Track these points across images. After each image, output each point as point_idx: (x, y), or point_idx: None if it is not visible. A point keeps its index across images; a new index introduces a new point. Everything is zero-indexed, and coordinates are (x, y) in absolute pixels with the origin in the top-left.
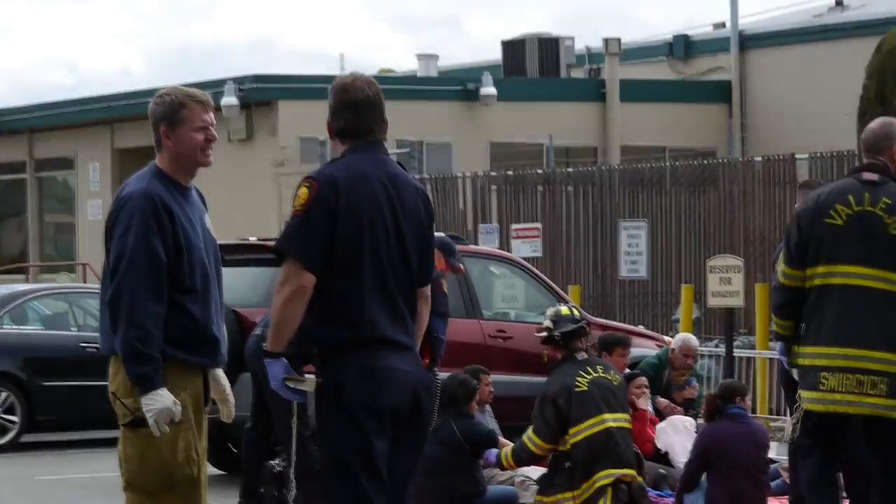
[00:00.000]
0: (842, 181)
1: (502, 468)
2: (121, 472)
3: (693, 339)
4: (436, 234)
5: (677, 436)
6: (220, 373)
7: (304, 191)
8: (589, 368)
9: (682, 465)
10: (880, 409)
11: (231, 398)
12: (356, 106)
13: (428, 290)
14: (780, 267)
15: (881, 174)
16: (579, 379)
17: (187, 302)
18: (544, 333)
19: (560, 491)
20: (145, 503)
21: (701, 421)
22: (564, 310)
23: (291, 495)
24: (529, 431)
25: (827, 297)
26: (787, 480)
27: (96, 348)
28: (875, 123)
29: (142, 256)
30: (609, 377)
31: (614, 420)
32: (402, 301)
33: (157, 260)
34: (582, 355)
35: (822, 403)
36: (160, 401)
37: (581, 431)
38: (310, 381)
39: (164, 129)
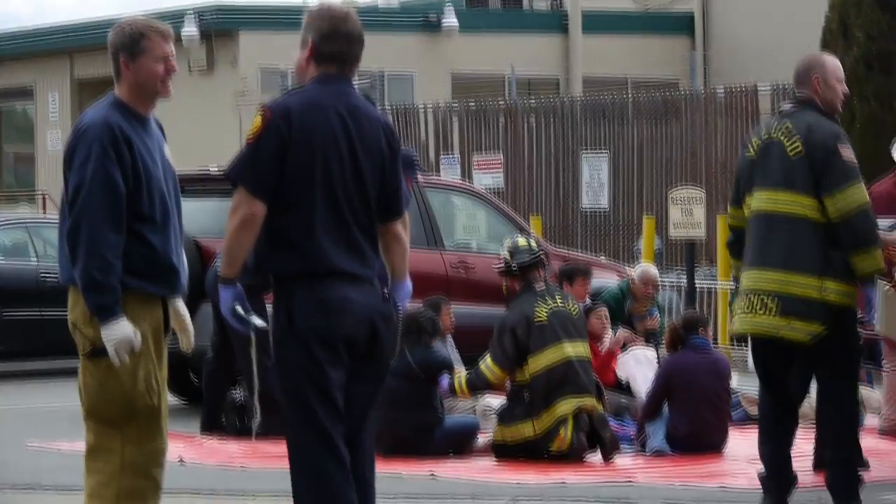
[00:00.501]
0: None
1: (454, 395)
2: (81, 401)
3: (653, 269)
4: None
5: (639, 366)
6: (179, 302)
7: (257, 119)
8: (547, 298)
9: (643, 396)
10: (770, 327)
11: (191, 328)
12: (350, 37)
13: (398, 225)
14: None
15: (798, 104)
16: (538, 309)
17: (146, 232)
18: (501, 265)
19: (520, 421)
20: (106, 432)
21: (663, 351)
22: (521, 241)
23: (256, 422)
24: (487, 359)
25: (749, 227)
26: (748, 410)
27: (56, 279)
28: (803, 57)
29: (101, 186)
30: (567, 307)
31: (573, 348)
32: (360, 233)
33: (117, 190)
34: (540, 286)
35: (732, 326)
36: (120, 331)
37: (541, 361)
38: (255, 321)
39: (123, 60)
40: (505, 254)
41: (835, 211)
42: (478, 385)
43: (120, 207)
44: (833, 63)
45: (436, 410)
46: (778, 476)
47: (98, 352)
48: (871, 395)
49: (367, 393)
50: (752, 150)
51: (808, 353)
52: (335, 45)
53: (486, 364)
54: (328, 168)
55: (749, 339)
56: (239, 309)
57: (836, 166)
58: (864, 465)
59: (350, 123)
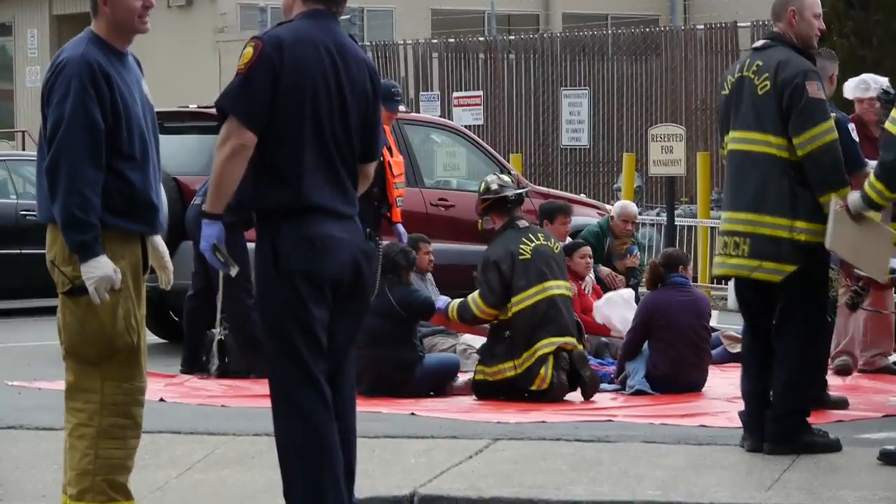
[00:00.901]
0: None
1: (447, 318)
2: (60, 340)
3: (632, 206)
4: None
5: (614, 308)
6: (158, 239)
7: (248, 50)
8: (531, 236)
9: (621, 335)
10: (742, 269)
11: (170, 265)
12: None
13: (371, 167)
14: None
15: (771, 39)
16: (522, 246)
17: (126, 169)
18: (491, 197)
19: (501, 361)
20: (86, 371)
21: (642, 289)
22: (506, 177)
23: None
24: (475, 294)
25: (726, 167)
26: (728, 349)
27: (36, 216)
28: None
29: (80, 123)
30: (550, 245)
31: (557, 287)
32: (344, 171)
33: (96, 127)
34: (523, 223)
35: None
36: (100, 268)
37: (524, 300)
38: (230, 269)
39: None
40: (495, 187)
41: (801, 149)
42: (465, 317)
43: (99, 144)
44: None
45: (416, 348)
46: (758, 414)
47: (77, 290)
48: None
49: (347, 331)
50: (726, 88)
51: (783, 291)
52: None
53: (474, 298)
54: (317, 103)
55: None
56: (219, 251)
57: (803, 103)
58: (843, 404)
59: (338, 61)
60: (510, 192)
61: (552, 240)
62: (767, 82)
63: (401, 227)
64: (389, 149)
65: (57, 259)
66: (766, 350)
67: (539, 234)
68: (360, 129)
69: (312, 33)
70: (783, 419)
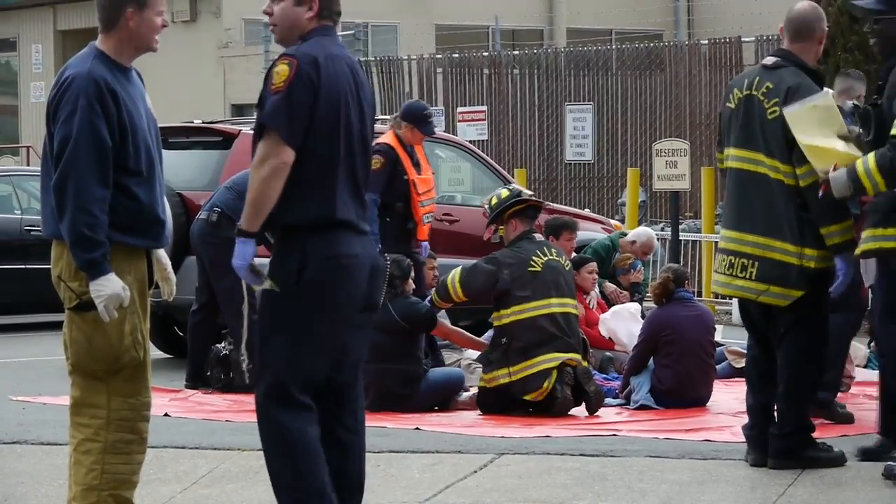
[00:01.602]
0: (753, 67)
1: (435, 308)
2: (66, 355)
3: (655, 240)
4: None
5: (621, 322)
6: (161, 252)
7: (283, 68)
8: (545, 250)
9: (627, 350)
10: (749, 292)
11: (172, 276)
12: None
13: None
14: None
15: (782, 58)
16: (535, 258)
17: (132, 184)
18: (525, 200)
19: (496, 367)
20: (92, 386)
21: (648, 304)
22: (523, 189)
23: (246, 375)
24: (456, 275)
25: (728, 180)
26: (733, 363)
27: (40, 231)
28: (804, 6)
29: (87, 140)
30: (562, 261)
31: (560, 305)
32: (362, 185)
33: (103, 144)
34: (539, 236)
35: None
36: (110, 286)
37: (525, 311)
38: (268, 284)
39: (131, 11)
40: (524, 193)
41: (803, 180)
42: (441, 296)
43: (106, 161)
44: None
45: (420, 362)
46: (762, 428)
47: (84, 305)
48: (857, 347)
49: (360, 345)
50: (732, 101)
51: (786, 309)
52: (338, 3)
53: (453, 277)
54: (348, 117)
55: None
56: (256, 269)
57: None
58: (850, 419)
59: (355, 76)
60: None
61: (563, 257)
62: (777, 108)
63: (426, 245)
64: (417, 165)
65: (64, 274)
66: (770, 363)
67: (552, 250)
68: (370, 141)
69: (334, 49)
70: (787, 436)
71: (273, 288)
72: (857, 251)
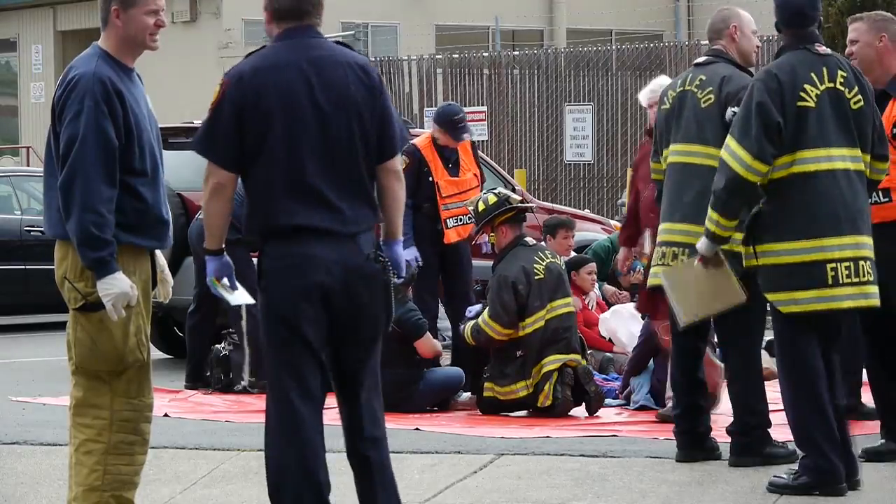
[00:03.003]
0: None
1: (465, 341)
2: (69, 356)
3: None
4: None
5: (621, 322)
6: (158, 253)
7: (216, 89)
8: (541, 254)
9: (628, 350)
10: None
11: (169, 278)
12: None
13: (395, 163)
14: None
15: (713, 56)
16: (536, 265)
17: (138, 185)
18: (515, 207)
19: (513, 381)
20: (95, 387)
21: None
22: (511, 193)
23: (245, 371)
24: (485, 315)
25: (665, 179)
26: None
27: (41, 232)
28: (718, 10)
29: (95, 140)
30: (557, 261)
31: (563, 306)
32: (335, 188)
33: (110, 144)
34: (531, 240)
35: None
36: (118, 285)
37: (537, 320)
38: (235, 295)
39: (115, 9)
40: (511, 197)
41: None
42: (480, 339)
43: (113, 161)
44: (748, 15)
45: (417, 365)
46: (691, 426)
47: (90, 306)
48: None
49: (352, 353)
50: (667, 102)
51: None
52: (285, 1)
53: (486, 321)
54: (288, 124)
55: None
56: (225, 282)
57: None
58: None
59: (311, 75)
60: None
61: (557, 257)
62: (711, 95)
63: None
64: (455, 166)
65: (70, 275)
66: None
67: (546, 252)
68: (358, 135)
69: (279, 56)
70: (743, 434)
71: (233, 307)
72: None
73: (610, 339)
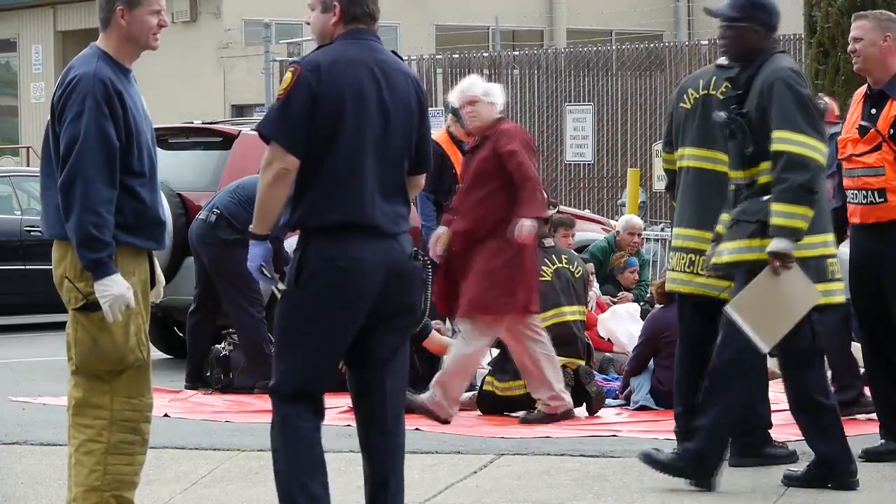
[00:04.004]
0: (705, 68)
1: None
2: (69, 356)
3: (636, 218)
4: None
5: (619, 323)
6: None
7: (287, 76)
8: (554, 257)
9: (627, 350)
10: (710, 289)
11: (162, 279)
12: None
13: (421, 179)
14: None
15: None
16: (544, 268)
17: (137, 186)
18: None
19: (512, 378)
20: (95, 387)
21: (646, 304)
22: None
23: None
24: None
25: (683, 179)
26: None
27: (41, 232)
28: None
29: (95, 141)
30: (572, 269)
31: (571, 313)
32: (387, 188)
33: (111, 145)
34: (549, 242)
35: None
36: (115, 287)
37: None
38: (279, 285)
39: (121, 9)
40: None
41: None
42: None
43: (114, 162)
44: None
45: (414, 363)
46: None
47: (90, 306)
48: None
49: (386, 345)
50: (688, 102)
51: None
52: (363, 6)
53: None
54: (357, 119)
55: (678, 297)
56: (265, 270)
57: None
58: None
59: (380, 77)
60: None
61: (575, 263)
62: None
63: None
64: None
65: (70, 274)
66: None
67: (563, 256)
68: (407, 143)
69: (352, 53)
70: (744, 434)
71: (283, 289)
72: (722, 260)
73: (609, 340)
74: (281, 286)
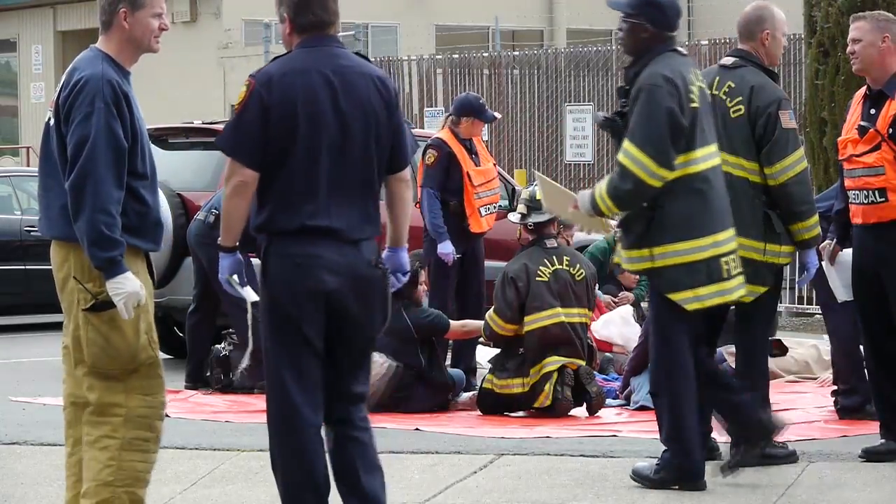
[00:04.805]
0: (709, 68)
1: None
2: (74, 357)
3: None
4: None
5: (613, 329)
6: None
7: (242, 89)
8: (555, 258)
9: (624, 349)
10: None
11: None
12: (322, 3)
13: (406, 173)
14: None
15: (740, 58)
16: (542, 268)
17: (140, 187)
18: (518, 217)
19: (511, 376)
20: (110, 386)
21: (645, 304)
22: (539, 193)
23: (239, 373)
24: (491, 310)
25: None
26: (731, 365)
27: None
28: (751, 7)
29: (105, 141)
30: (573, 271)
31: (567, 315)
32: (348, 193)
33: (120, 146)
34: (552, 243)
35: None
36: (128, 285)
37: (536, 321)
38: (248, 294)
39: (124, 11)
40: (521, 207)
41: (773, 179)
42: (487, 333)
43: (122, 163)
44: (781, 15)
45: (421, 362)
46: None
47: (100, 305)
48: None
49: (345, 356)
50: (696, 101)
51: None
52: (309, 16)
53: (491, 316)
54: (310, 128)
55: None
56: (235, 279)
57: (776, 134)
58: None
59: (336, 83)
60: (538, 218)
61: (577, 265)
62: (741, 107)
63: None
64: (476, 157)
65: (77, 275)
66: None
67: (564, 258)
68: (376, 144)
69: (305, 62)
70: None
71: (254, 300)
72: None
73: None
74: (252, 296)
